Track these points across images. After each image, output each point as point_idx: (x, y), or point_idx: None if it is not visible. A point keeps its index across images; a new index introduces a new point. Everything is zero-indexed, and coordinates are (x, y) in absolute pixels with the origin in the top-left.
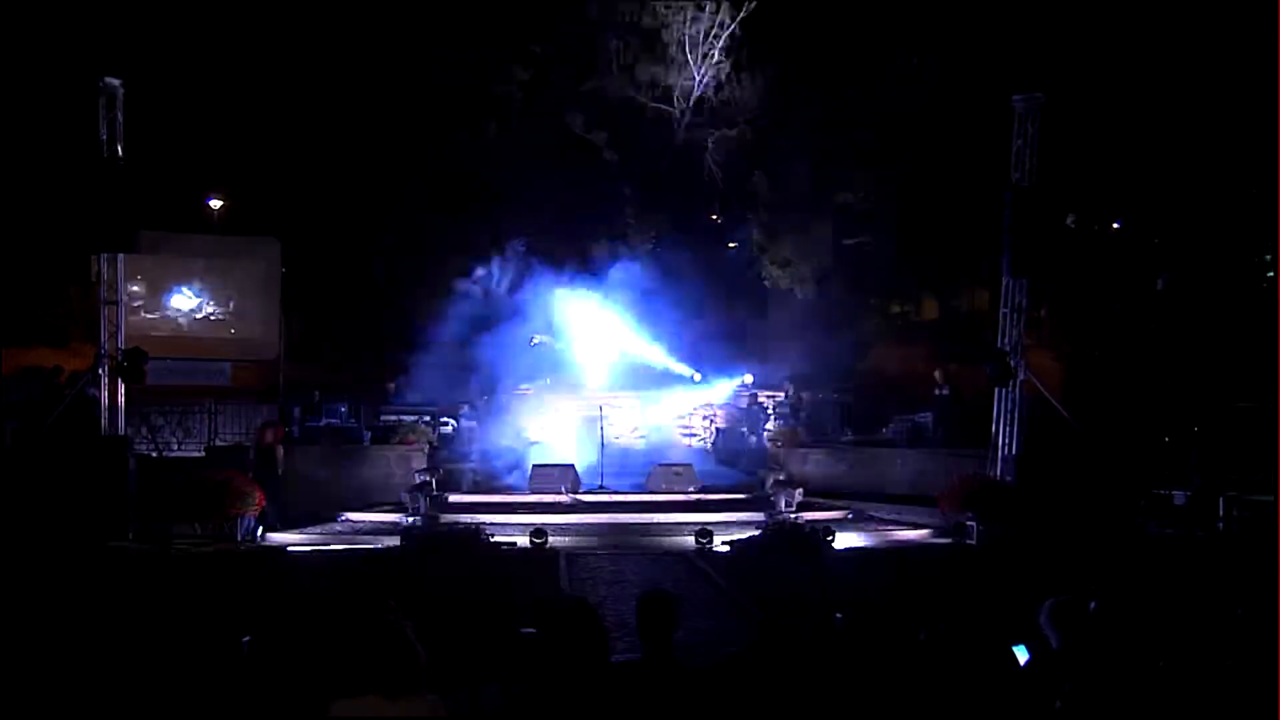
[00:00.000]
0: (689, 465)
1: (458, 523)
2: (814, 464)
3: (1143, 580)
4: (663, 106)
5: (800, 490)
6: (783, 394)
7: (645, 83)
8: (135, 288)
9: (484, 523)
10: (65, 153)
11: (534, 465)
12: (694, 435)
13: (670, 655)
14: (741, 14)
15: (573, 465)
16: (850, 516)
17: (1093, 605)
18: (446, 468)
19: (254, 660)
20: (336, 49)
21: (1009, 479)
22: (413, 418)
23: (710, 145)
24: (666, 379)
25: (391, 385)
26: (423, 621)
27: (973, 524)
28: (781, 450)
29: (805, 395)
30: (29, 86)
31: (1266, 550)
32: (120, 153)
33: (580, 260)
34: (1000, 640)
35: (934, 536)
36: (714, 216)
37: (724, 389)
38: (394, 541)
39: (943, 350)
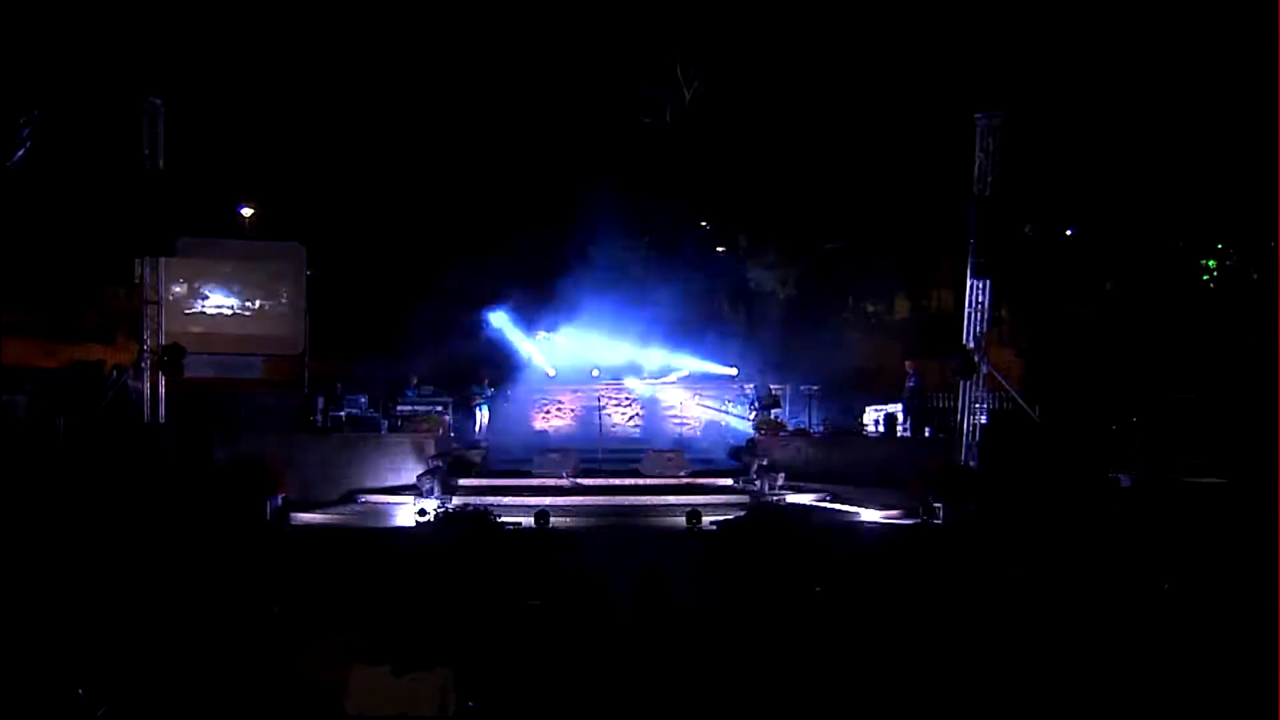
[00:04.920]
0: (680, 451)
1: (468, 504)
2: (794, 451)
3: (1096, 555)
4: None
5: (782, 475)
6: (752, 386)
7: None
8: (175, 288)
9: (492, 504)
10: (112, 166)
11: (538, 452)
12: (684, 424)
13: (662, 624)
14: None
15: (574, 451)
16: (827, 499)
17: (1057, 580)
18: (457, 453)
19: (283, 627)
20: (355, 69)
21: (973, 464)
22: (427, 408)
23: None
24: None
25: (414, 379)
26: (437, 595)
27: (939, 505)
28: (764, 438)
29: (775, 387)
30: (79, 106)
31: (1202, 528)
32: (161, 165)
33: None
34: (963, 610)
35: (904, 517)
36: (703, 223)
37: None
38: (409, 522)
39: (913, 345)
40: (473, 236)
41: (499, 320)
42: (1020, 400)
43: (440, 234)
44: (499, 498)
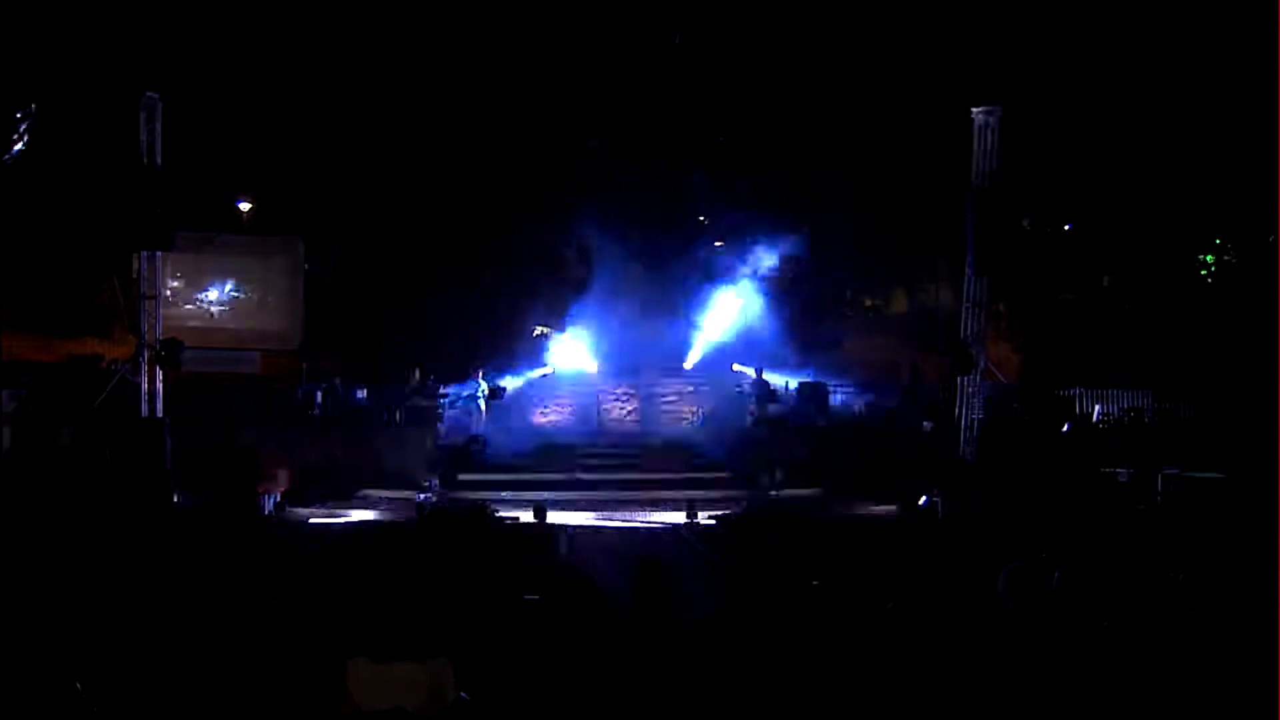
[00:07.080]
0: (678, 446)
1: (466, 499)
2: (792, 446)
3: (1094, 549)
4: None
5: (780, 470)
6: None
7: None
8: (173, 283)
9: (490, 498)
10: (109, 160)
11: (537, 446)
12: (683, 419)
13: (660, 618)
14: None
15: (573, 446)
16: (825, 493)
17: (1056, 575)
18: (457, 448)
19: (279, 623)
20: (353, 61)
21: (970, 459)
22: (426, 402)
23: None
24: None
25: (418, 372)
26: (434, 589)
27: (937, 499)
28: (762, 433)
29: (773, 382)
30: (77, 101)
31: (1201, 522)
32: (159, 160)
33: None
34: (959, 608)
35: (902, 511)
36: (700, 218)
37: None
38: (408, 515)
39: (911, 340)
40: (470, 230)
41: (499, 319)
42: (1017, 395)
43: (437, 228)
44: (498, 492)
